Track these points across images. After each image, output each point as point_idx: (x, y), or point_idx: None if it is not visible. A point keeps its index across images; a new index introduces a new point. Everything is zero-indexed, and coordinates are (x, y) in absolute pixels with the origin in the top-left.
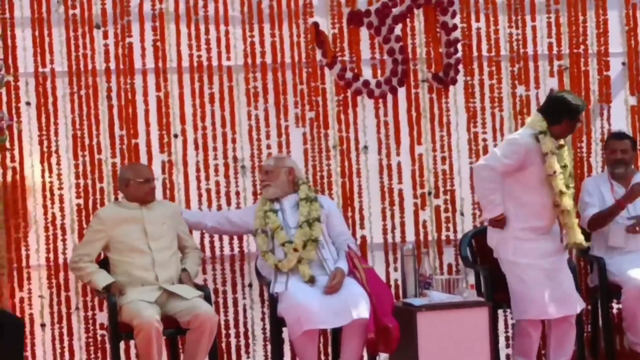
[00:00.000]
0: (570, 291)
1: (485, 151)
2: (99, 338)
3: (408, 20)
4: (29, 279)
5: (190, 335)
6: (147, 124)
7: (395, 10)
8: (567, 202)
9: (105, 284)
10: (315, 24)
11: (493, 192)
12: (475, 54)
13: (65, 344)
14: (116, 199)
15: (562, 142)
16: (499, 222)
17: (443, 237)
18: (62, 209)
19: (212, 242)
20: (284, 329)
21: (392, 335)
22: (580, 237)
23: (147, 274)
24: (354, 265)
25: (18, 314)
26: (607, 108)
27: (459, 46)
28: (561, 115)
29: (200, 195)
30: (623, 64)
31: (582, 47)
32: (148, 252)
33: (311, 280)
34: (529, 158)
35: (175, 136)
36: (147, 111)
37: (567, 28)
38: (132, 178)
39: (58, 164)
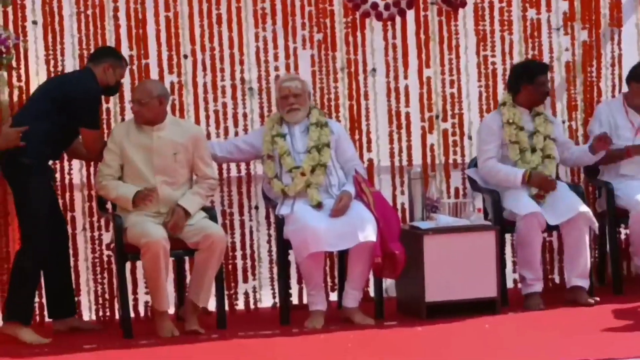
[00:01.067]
0: (569, 201)
1: (494, 75)
2: (105, 259)
3: None
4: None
5: (200, 255)
6: (159, 45)
7: None
8: (523, 167)
9: (134, 192)
10: None
11: (501, 171)
12: None
13: (72, 264)
14: (122, 119)
15: (540, 109)
16: (536, 178)
17: (450, 161)
18: None
19: (219, 165)
20: (290, 251)
21: (398, 261)
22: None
23: (149, 207)
24: (361, 190)
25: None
26: (618, 32)
27: None
28: (517, 82)
29: (207, 117)
30: None
31: None
32: (152, 185)
33: (319, 205)
34: (500, 132)
35: (185, 57)
36: (158, 31)
37: None
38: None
39: None
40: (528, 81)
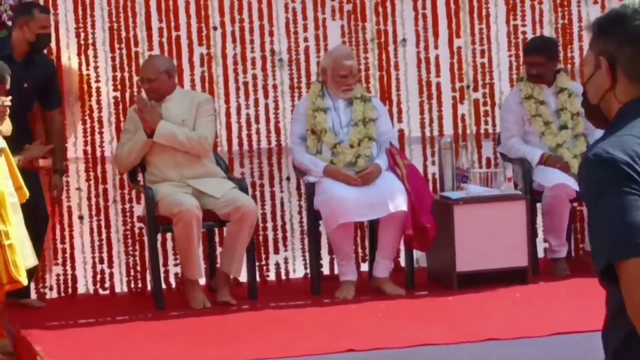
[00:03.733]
0: None
1: (525, 44)
2: (137, 230)
3: None
4: (66, 171)
5: (231, 226)
6: (188, 17)
7: None
8: (550, 141)
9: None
10: None
11: (520, 150)
12: None
13: (103, 236)
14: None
15: (565, 84)
16: (552, 160)
17: (482, 131)
18: (99, 102)
19: (249, 136)
20: (320, 222)
21: (429, 235)
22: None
23: (172, 173)
24: (394, 162)
25: (55, 207)
26: None
27: None
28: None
29: (237, 89)
30: None
31: None
32: (171, 151)
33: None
34: (519, 108)
35: (215, 29)
36: (187, 3)
37: None
38: (139, 77)
39: (95, 56)
40: (525, 54)
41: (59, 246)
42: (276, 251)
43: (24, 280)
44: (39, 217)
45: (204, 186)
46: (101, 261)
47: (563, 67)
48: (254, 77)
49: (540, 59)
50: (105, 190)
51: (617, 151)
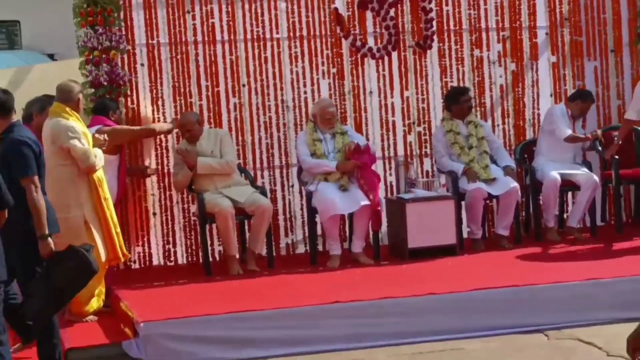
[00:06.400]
0: (504, 180)
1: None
2: (192, 222)
3: (399, 5)
4: (144, 182)
5: (255, 219)
6: (225, 77)
7: None
8: (465, 158)
9: (190, 168)
10: (336, 9)
11: (449, 165)
12: (445, 27)
13: (169, 226)
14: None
15: (472, 118)
16: (468, 173)
17: (423, 153)
18: (165, 136)
19: (267, 157)
20: (316, 215)
21: (379, 217)
22: (484, 176)
23: (210, 185)
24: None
25: (137, 207)
26: (535, 64)
27: (434, 23)
28: (449, 103)
29: (259, 127)
30: (546, 34)
31: (518, 22)
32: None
33: (344, 188)
34: (444, 138)
35: (244, 85)
36: (225, 69)
37: (508, 9)
38: (178, 129)
39: (163, 105)
40: (454, 102)
41: (139, 233)
42: (286, 235)
43: (122, 258)
44: None
45: (232, 193)
46: (168, 242)
47: (472, 105)
48: (270, 118)
49: (468, 96)
50: (170, 195)
51: None
